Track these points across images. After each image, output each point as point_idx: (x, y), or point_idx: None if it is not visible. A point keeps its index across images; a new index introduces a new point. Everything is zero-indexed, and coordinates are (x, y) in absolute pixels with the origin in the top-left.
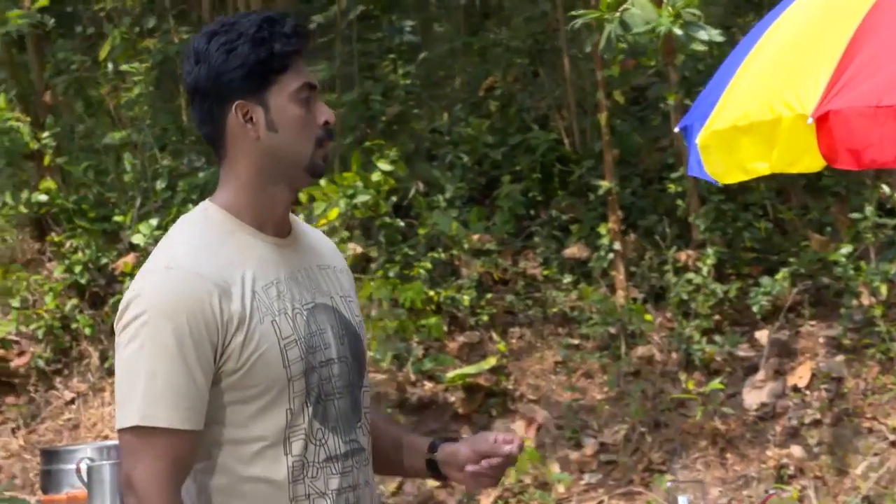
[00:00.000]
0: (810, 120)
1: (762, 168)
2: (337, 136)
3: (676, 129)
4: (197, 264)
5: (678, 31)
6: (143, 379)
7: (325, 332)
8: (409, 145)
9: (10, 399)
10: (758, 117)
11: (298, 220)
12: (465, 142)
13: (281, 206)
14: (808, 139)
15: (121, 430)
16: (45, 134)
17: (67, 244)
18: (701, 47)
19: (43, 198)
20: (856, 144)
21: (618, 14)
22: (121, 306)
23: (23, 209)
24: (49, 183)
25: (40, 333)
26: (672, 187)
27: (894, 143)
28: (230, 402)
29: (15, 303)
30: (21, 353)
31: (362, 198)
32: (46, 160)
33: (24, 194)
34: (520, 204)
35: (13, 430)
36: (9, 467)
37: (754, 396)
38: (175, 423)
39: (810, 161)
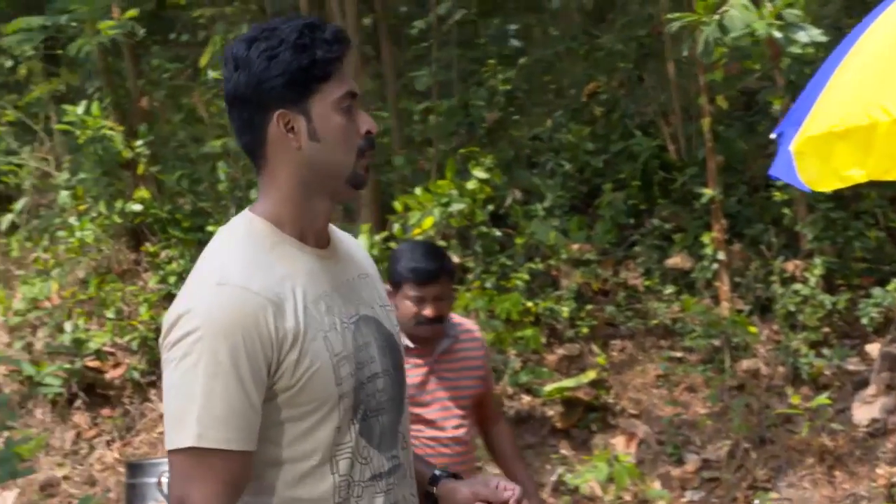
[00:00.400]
0: None
1: (858, 175)
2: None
3: (773, 136)
4: (249, 280)
5: (777, 34)
6: (198, 398)
7: (370, 345)
8: (509, 152)
9: (105, 411)
10: (854, 123)
11: (333, 228)
12: (566, 149)
13: (322, 218)
14: None
15: (172, 452)
16: (139, 143)
17: (162, 254)
18: (801, 49)
19: (137, 207)
20: None
21: (716, 17)
22: (168, 320)
23: (117, 219)
24: (143, 192)
25: (135, 345)
26: (779, 195)
27: None
28: (281, 420)
29: (110, 314)
30: (116, 365)
31: (457, 206)
32: (140, 169)
33: (119, 204)
34: (622, 213)
35: (108, 443)
36: (103, 480)
37: (864, 412)
38: (232, 444)
39: None
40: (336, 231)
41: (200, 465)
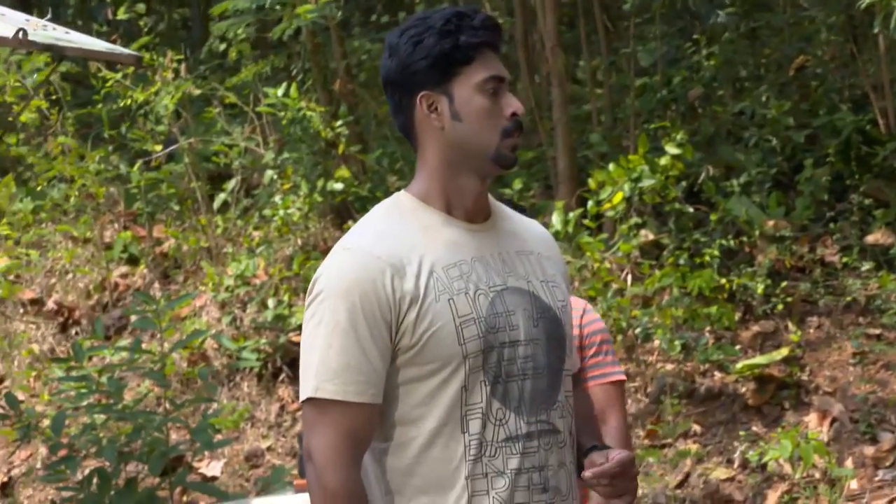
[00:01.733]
0: None
1: None
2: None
3: None
4: (373, 245)
5: None
6: (318, 354)
7: (513, 313)
8: (710, 128)
9: None
10: None
11: (509, 210)
12: (768, 124)
13: (470, 194)
14: None
15: (302, 403)
16: (338, 123)
17: None
18: None
19: (338, 186)
20: None
21: None
22: (309, 286)
23: (318, 197)
24: (344, 171)
25: None
26: None
27: None
28: (407, 380)
29: None
30: None
31: (648, 182)
32: (341, 149)
33: (320, 183)
34: (822, 188)
35: None
36: None
37: None
38: (349, 396)
39: None
40: (508, 212)
41: (320, 416)
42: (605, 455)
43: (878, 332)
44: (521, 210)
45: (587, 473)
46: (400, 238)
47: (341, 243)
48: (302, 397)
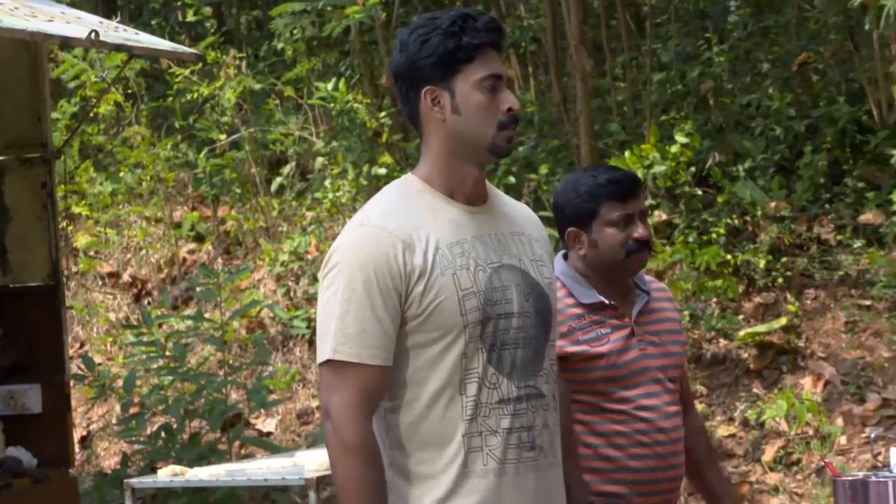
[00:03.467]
0: None
1: None
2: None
3: None
4: (386, 222)
5: None
6: (335, 320)
7: (507, 288)
8: (719, 118)
9: None
10: None
11: (502, 194)
12: (773, 115)
13: (470, 179)
14: None
15: (320, 365)
16: (382, 114)
17: None
18: None
19: (382, 171)
20: None
21: None
22: (325, 259)
23: (364, 181)
24: (386, 158)
25: None
26: None
27: None
28: (414, 345)
29: None
30: None
31: (659, 168)
32: (384, 137)
33: (366, 168)
34: (820, 173)
35: None
36: None
37: None
38: (364, 358)
39: None
40: (503, 197)
41: (338, 376)
42: None
43: (867, 303)
44: None
45: None
46: (409, 216)
47: (356, 219)
48: (320, 359)
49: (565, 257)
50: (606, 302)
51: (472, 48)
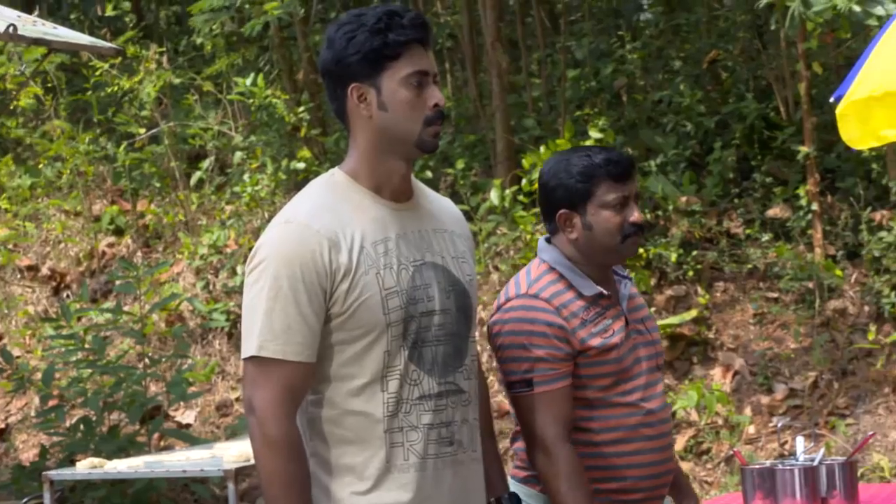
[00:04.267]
0: None
1: (892, 136)
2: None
3: (831, 100)
4: (312, 220)
5: (856, 8)
6: (260, 316)
7: (429, 286)
8: (632, 114)
9: None
10: (890, 88)
11: (427, 189)
12: (683, 111)
13: (397, 175)
14: None
15: (244, 361)
16: (301, 109)
17: None
18: (878, 22)
19: (300, 166)
20: None
21: None
22: (251, 254)
23: (282, 175)
24: (305, 152)
25: None
26: (869, 151)
27: None
28: (337, 341)
29: None
30: None
31: None
32: (303, 132)
33: (284, 162)
34: (729, 168)
35: None
36: None
37: None
38: (288, 355)
39: None
40: (430, 193)
41: (262, 372)
42: None
43: (775, 295)
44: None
45: None
46: (335, 214)
47: (282, 216)
48: (245, 355)
49: (549, 241)
50: (604, 292)
51: (399, 45)
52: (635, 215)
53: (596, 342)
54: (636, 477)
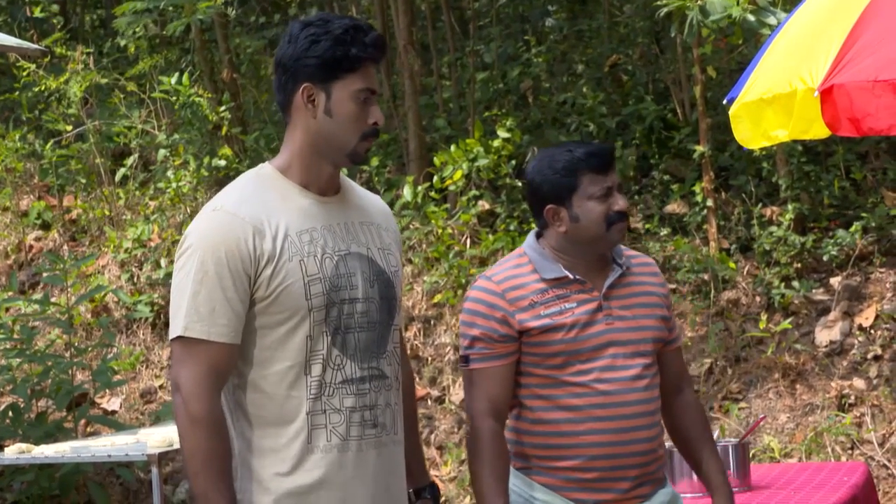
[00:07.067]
0: (816, 93)
1: (782, 135)
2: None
3: (724, 102)
4: (238, 208)
5: (750, 17)
6: (187, 298)
7: (353, 275)
8: (538, 115)
9: None
10: (779, 90)
11: (356, 186)
12: (586, 112)
13: (325, 175)
14: (815, 110)
15: (172, 341)
16: (222, 108)
17: None
18: (770, 31)
19: (221, 163)
20: (856, 114)
21: (699, 2)
22: (181, 240)
23: (204, 172)
24: (226, 150)
25: None
26: (760, 151)
27: (890, 113)
28: (261, 325)
29: None
30: None
31: (482, 161)
32: (224, 130)
33: (206, 160)
34: (630, 167)
35: None
36: None
37: (825, 335)
38: (213, 336)
39: (818, 129)
40: (357, 189)
41: (188, 352)
42: None
43: (673, 286)
44: None
45: None
46: (262, 203)
47: (210, 205)
48: (172, 335)
49: (538, 236)
50: (571, 276)
51: (357, 60)
52: (619, 203)
53: (537, 323)
54: (588, 456)
